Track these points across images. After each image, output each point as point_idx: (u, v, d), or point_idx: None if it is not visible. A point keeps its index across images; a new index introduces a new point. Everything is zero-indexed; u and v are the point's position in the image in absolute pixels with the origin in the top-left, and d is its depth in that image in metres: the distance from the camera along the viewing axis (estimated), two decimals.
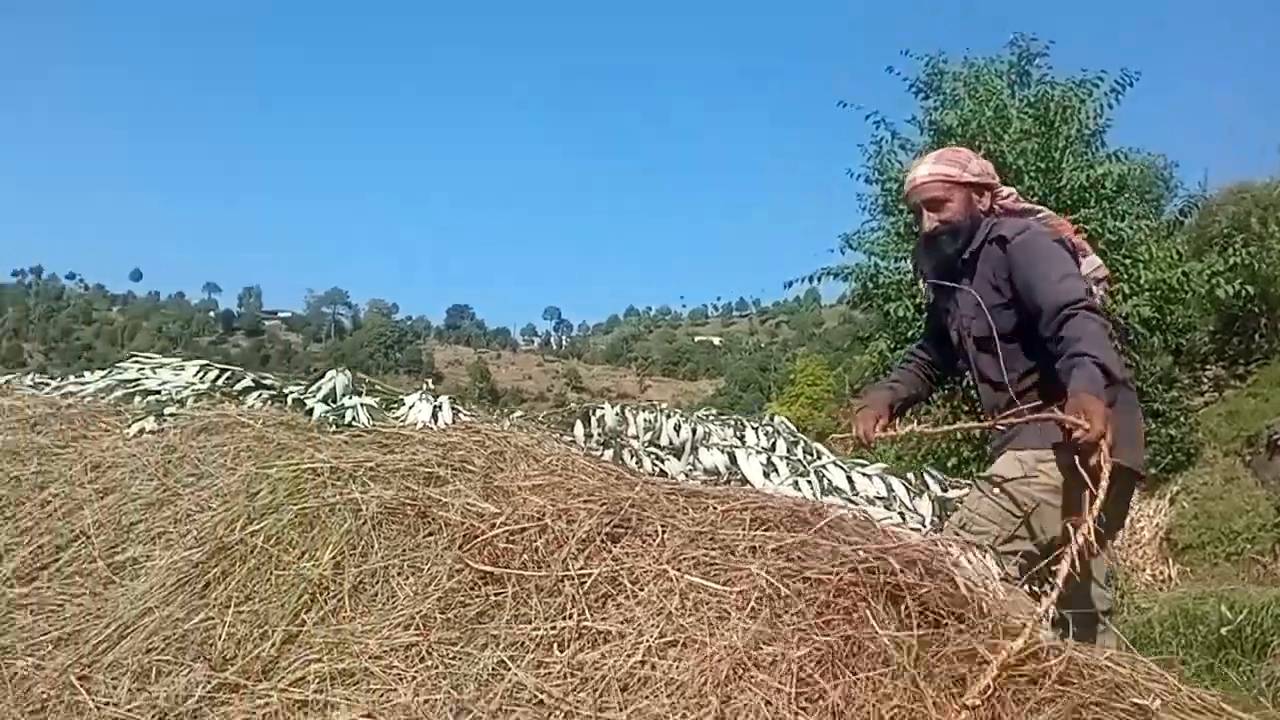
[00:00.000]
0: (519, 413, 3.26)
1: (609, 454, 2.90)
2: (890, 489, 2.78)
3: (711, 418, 3.25)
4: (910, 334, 8.41)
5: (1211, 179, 18.42)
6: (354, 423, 2.90)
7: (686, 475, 2.82)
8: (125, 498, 2.74)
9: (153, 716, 2.12)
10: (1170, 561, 10.20)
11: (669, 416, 3.08)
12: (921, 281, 3.14)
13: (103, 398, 3.46)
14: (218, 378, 3.41)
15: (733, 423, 3.15)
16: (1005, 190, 2.89)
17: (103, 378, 3.61)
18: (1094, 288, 2.72)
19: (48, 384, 3.78)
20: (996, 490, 2.59)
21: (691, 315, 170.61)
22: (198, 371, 3.45)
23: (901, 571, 2.16)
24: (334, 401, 3.08)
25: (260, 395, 3.21)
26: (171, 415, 3.11)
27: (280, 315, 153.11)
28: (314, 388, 3.23)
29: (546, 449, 2.73)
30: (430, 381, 3.48)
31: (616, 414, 3.07)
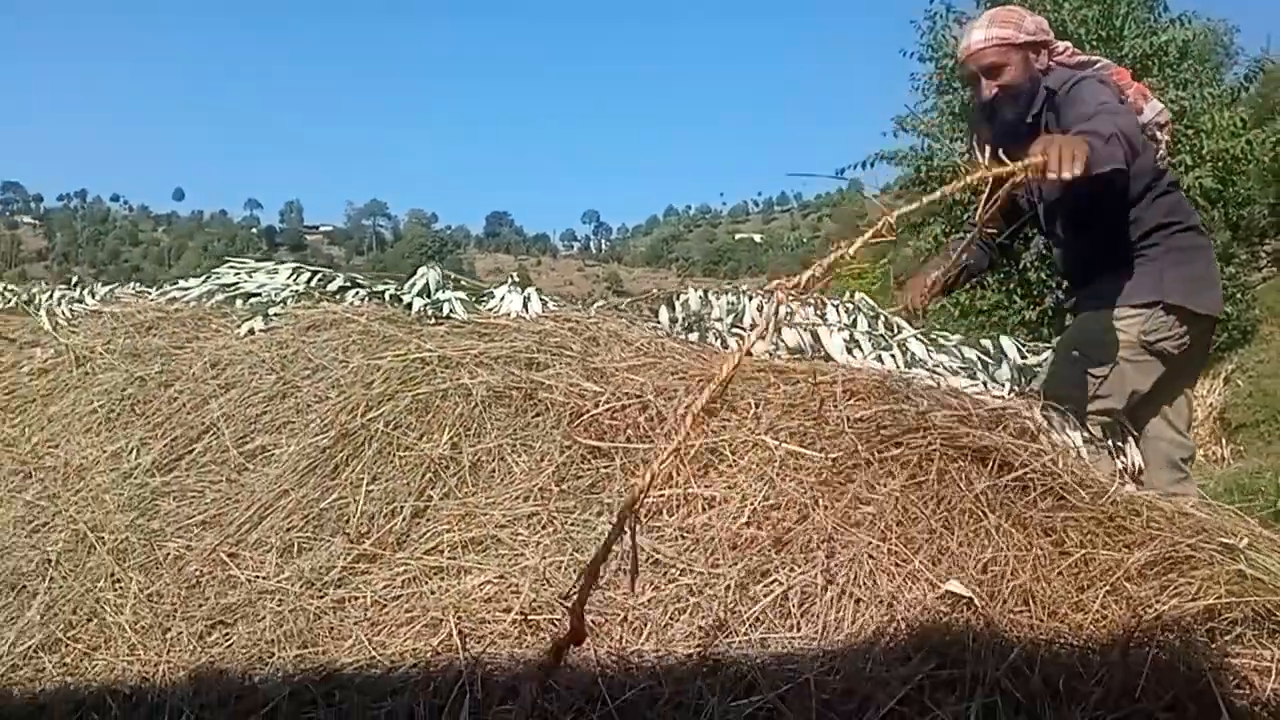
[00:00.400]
0: (601, 302, 3.38)
1: (694, 336, 3.01)
2: (970, 360, 2.87)
3: (792, 297, 3.34)
4: (966, 217, 8.33)
5: (1274, 44, 17.58)
6: (452, 315, 3.03)
7: (770, 354, 2.92)
8: (248, 391, 2.89)
9: (300, 585, 2.25)
10: (1224, 441, 10.09)
11: (751, 298, 3.19)
12: (981, 153, 3.13)
13: (205, 301, 3.63)
14: (310, 279, 3.56)
15: (813, 301, 3.24)
16: (1060, 45, 2.79)
17: (202, 283, 3.77)
18: (1157, 133, 2.70)
19: (148, 292, 3.96)
20: (1076, 353, 2.67)
21: (732, 213, 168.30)
22: (291, 274, 3.60)
23: (986, 434, 2.28)
24: (429, 296, 3.21)
25: (357, 293, 3.35)
26: (276, 315, 3.28)
27: (322, 229, 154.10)
28: (409, 284, 3.37)
29: (637, 333, 2.84)
30: (516, 274, 3.60)
31: (700, 297, 3.18)
